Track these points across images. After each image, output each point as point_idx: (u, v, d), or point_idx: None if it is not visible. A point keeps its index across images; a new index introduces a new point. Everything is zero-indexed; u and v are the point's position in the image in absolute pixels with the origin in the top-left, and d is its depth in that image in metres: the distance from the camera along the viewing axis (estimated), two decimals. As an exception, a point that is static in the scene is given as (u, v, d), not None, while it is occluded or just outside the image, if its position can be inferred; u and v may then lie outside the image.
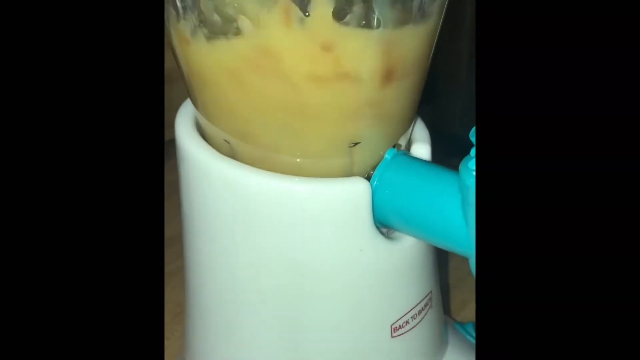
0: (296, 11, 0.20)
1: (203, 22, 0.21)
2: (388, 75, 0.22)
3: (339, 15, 0.20)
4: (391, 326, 0.26)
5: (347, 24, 0.21)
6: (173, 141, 0.26)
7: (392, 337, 0.26)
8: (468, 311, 0.42)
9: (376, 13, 0.21)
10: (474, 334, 0.35)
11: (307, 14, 0.20)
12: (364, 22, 0.21)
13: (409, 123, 0.26)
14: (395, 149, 0.25)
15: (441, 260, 0.30)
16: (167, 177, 0.25)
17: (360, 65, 0.22)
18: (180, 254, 0.28)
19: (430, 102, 0.60)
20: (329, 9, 0.20)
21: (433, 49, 0.25)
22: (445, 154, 0.57)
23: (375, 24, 0.21)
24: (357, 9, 0.20)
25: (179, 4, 0.22)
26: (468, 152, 0.21)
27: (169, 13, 0.22)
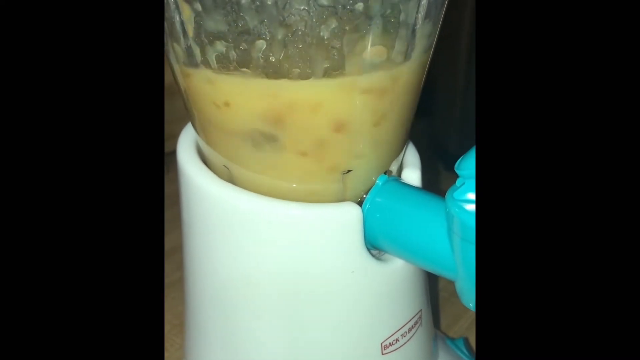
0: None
1: (204, 55, 0.22)
2: (382, 108, 0.24)
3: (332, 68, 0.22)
4: (381, 344, 0.27)
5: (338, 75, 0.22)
6: (173, 153, 0.27)
7: (382, 354, 0.27)
8: (460, 325, 0.43)
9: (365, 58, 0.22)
10: (465, 350, 0.35)
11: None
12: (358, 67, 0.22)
13: (400, 149, 0.27)
14: (387, 175, 0.26)
15: (433, 274, 0.30)
16: (167, 189, 0.26)
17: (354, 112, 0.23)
18: (180, 265, 0.29)
19: (427, 116, 0.61)
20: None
21: (424, 78, 0.26)
22: (441, 168, 0.58)
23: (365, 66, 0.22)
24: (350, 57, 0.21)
25: (178, 26, 0.23)
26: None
27: (169, 34, 0.23)
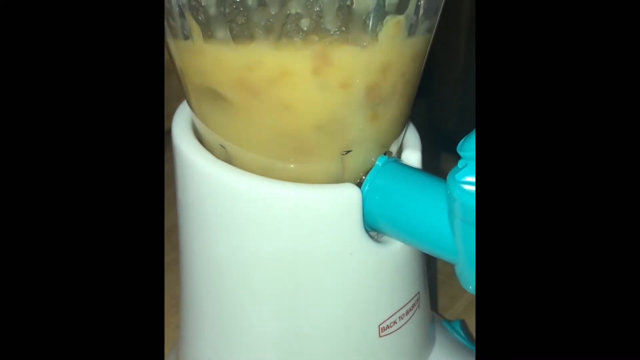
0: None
1: (206, 26, 0.22)
2: (383, 89, 0.23)
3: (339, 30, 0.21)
4: (379, 326, 0.27)
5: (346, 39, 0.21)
6: (168, 132, 0.26)
7: (379, 336, 0.27)
8: (457, 307, 0.43)
9: (375, 28, 0.21)
10: (462, 332, 0.35)
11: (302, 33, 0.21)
12: (364, 38, 0.21)
13: (400, 130, 0.26)
14: (387, 156, 0.25)
15: (430, 255, 0.30)
16: (165, 168, 0.25)
17: (356, 80, 0.22)
18: (176, 246, 0.29)
19: (426, 96, 0.60)
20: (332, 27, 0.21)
21: (426, 57, 0.25)
22: (439, 149, 0.58)
23: (375, 37, 0.22)
24: (356, 25, 0.21)
25: (174, 2, 0.22)
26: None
27: (168, 14, 0.23)
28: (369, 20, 0.21)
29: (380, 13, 0.21)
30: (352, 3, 0.20)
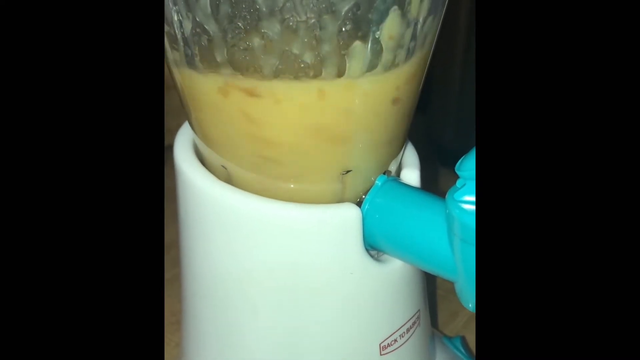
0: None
1: (202, 54, 0.22)
2: (381, 111, 0.23)
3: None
4: (380, 344, 0.27)
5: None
6: (168, 148, 0.27)
7: (380, 354, 0.27)
8: (457, 323, 0.43)
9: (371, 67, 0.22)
10: (462, 349, 0.35)
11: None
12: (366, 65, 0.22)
13: (399, 149, 0.27)
14: (386, 175, 0.26)
15: (430, 274, 0.30)
16: (165, 184, 0.25)
17: (355, 105, 0.23)
18: (176, 262, 0.29)
19: (423, 112, 0.61)
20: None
21: (424, 76, 0.25)
22: (437, 164, 0.58)
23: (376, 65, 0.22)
24: (359, 52, 0.21)
25: (177, 29, 0.22)
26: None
27: (168, 37, 0.23)
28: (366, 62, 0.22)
29: (375, 56, 0.22)
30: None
